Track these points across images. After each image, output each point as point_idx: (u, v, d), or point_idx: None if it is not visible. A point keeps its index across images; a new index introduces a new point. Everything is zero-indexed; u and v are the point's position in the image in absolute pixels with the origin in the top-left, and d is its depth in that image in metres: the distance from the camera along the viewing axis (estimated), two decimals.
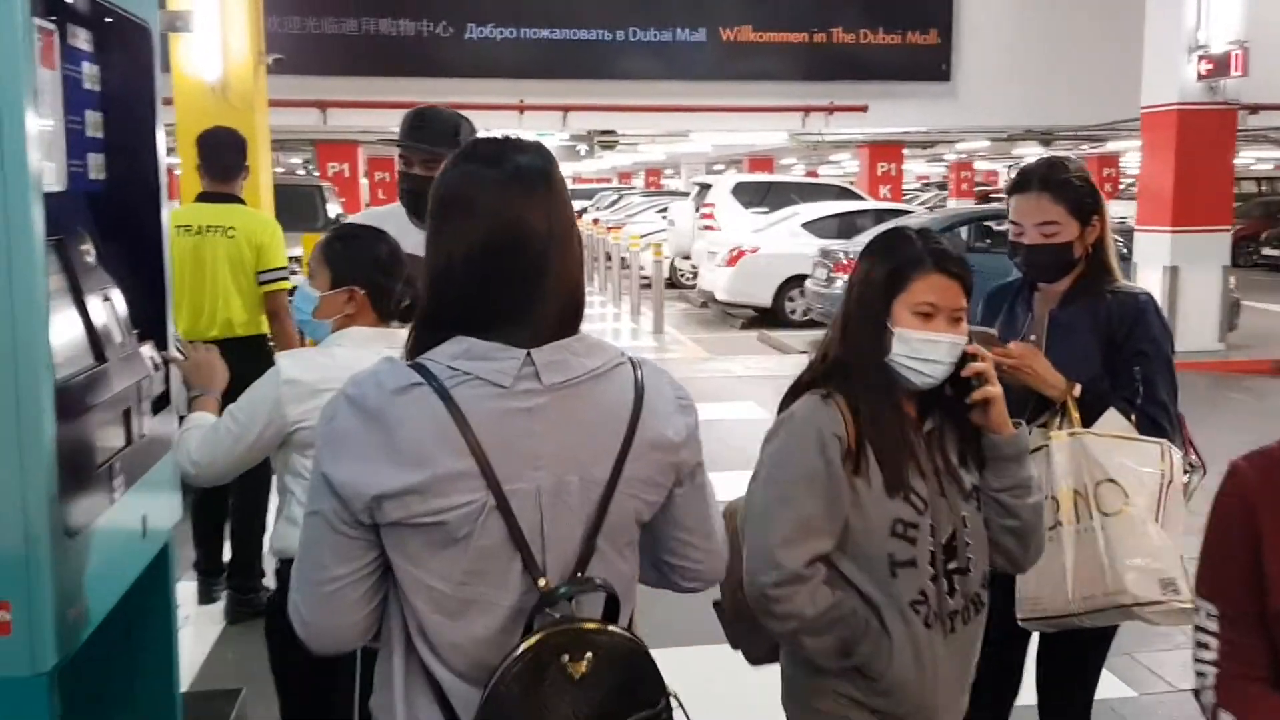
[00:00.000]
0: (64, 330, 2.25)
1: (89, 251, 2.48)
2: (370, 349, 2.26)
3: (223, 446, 2.22)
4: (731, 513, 1.95)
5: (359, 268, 2.29)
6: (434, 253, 1.40)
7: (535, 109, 14.85)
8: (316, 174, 18.86)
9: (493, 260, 1.36)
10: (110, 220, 2.65)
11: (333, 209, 14.52)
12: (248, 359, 4.12)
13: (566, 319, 1.40)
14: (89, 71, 2.57)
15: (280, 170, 27.01)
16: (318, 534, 1.37)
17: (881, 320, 1.84)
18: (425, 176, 2.82)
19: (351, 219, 2.99)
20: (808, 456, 1.80)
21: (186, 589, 4.48)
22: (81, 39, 2.53)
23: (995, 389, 1.86)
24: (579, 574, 1.39)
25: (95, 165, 2.62)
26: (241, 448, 2.22)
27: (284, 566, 2.30)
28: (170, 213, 3.36)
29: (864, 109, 15.18)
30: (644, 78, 14.58)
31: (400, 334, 2.32)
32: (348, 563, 1.36)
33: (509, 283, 1.37)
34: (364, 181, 20.02)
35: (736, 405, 8.48)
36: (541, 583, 1.36)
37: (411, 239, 2.45)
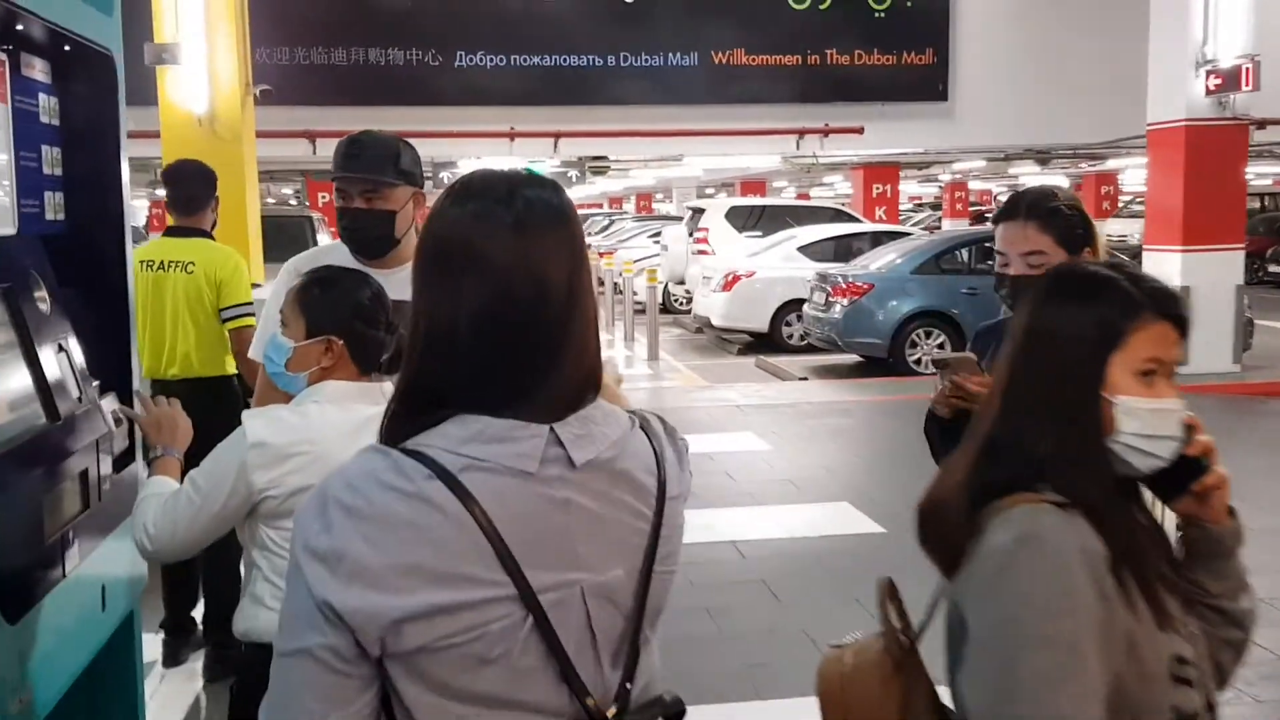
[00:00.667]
0: (9, 388, 2.05)
1: (43, 298, 2.28)
2: (348, 407, 2.05)
3: (183, 520, 1.99)
4: (838, 682, 1.48)
5: (337, 316, 2.07)
6: (429, 316, 1.15)
7: (526, 136, 14.71)
8: (307, 204, 18.69)
9: (507, 324, 1.13)
10: (70, 263, 2.45)
11: (323, 239, 14.37)
12: (210, 401, 4.01)
13: (587, 384, 1.19)
14: (46, 104, 2.38)
15: (272, 201, 26.88)
16: (305, 676, 1.09)
17: (1098, 389, 1.37)
18: (366, 210, 2.54)
19: (294, 260, 2.67)
20: (1082, 594, 1.27)
21: (153, 644, 4.25)
22: (37, 69, 2.34)
23: (1223, 470, 1.45)
24: (626, 683, 1.19)
25: (53, 205, 2.42)
26: (203, 520, 1.99)
27: (250, 651, 2.06)
28: (135, 249, 3.19)
29: (860, 131, 15.06)
30: (636, 103, 14.44)
31: (384, 389, 2.12)
32: (342, 706, 1.09)
33: (528, 349, 1.14)
34: None
35: (736, 436, 8.28)
36: (590, 702, 1.16)
37: None
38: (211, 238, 4.28)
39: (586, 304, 1.18)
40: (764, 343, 13.45)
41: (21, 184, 2.26)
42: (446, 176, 18.34)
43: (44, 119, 2.37)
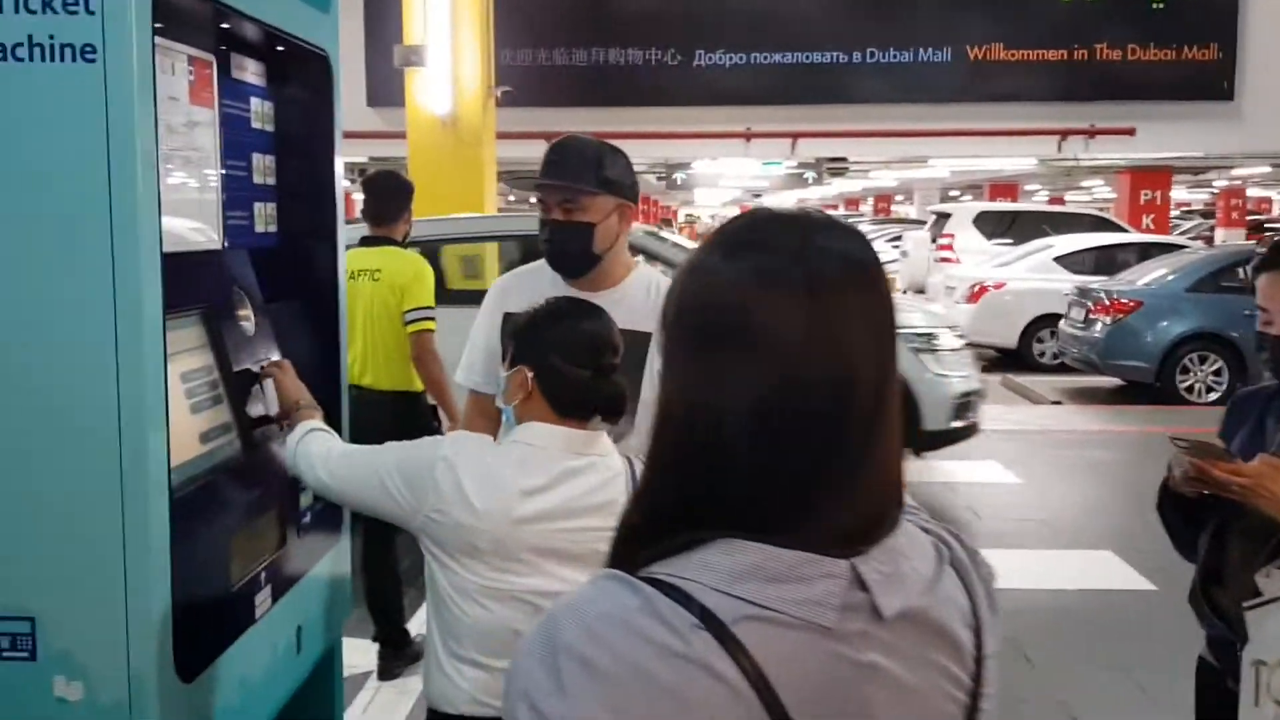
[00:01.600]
0: (202, 417, 1.89)
1: (246, 318, 2.13)
2: (546, 457, 1.79)
3: (368, 486, 1.86)
4: None
5: (535, 347, 1.84)
6: (686, 407, 0.89)
7: (763, 136, 14.35)
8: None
9: (797, 421, 0.86)
10: (280, 279, 2.31)
11: None
12: (395, 417, 3.97)
13: (891, 502, 0.91)
14: (258, 109, 2.23)
15: (513, 199, 27.74)
16: None
17: None
18: (564, 222, 2.25)
19: (500, 278, 2.46)
20: None
21: (360, 649, 4.18)
22: (249, 72, 2.19)
23: None
24: None
25: (264, 216, 2.28)
26: (380, 498, 1.85)
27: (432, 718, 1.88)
28: None
29: (1131, 132, 13.83)
30: (881, 101, 13.80)
31: (596, 441, 1.84)
32: None
33: (823, 454, 0.86)
34: None
35: (979, 465, 7.62)
36: None
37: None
38: (402, 247, 4.30)
39: (894, 393, 0.90)
40: (1012, 360, 12.54)
41: (230, 195, 2.12)
42: (680, 178, 18.24)
43: (255, 125, 2.22)
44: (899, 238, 18.00)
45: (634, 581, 0.85)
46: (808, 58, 13.77)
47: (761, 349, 0.85)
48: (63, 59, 1.47)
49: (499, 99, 9.72)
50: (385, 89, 11.15)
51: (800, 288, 0.85)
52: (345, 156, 2.46)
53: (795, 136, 14.50)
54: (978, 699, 0.93)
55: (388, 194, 4.36)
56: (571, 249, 2.27)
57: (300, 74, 2.29)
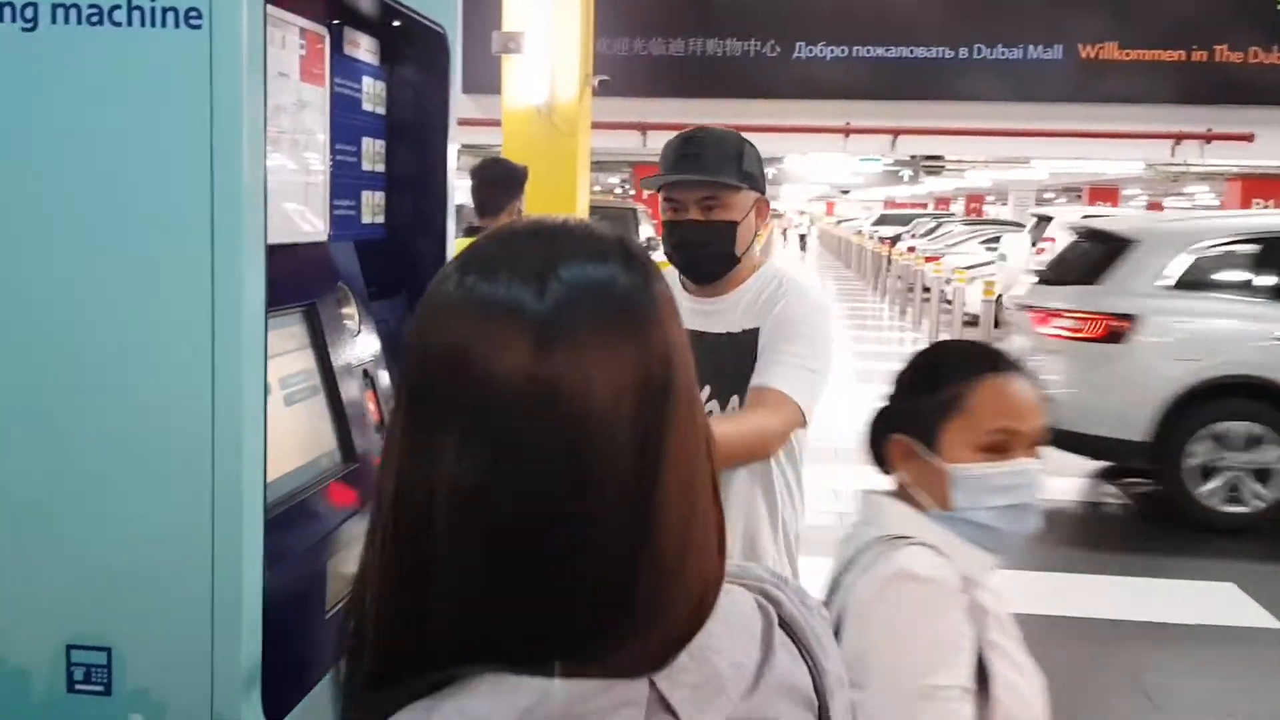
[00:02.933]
0: (300, 426, 1.72)
1: (350, 315, 1.96)
2: None
3: None
4: None
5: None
6: (395, 492, 0.69)
7: (861, 132, 13.97)
8: (631, 196, 18.94)
9: (535, 510, 0.66)
10: (385, 273, 2.13)
11: (645, 230, 14.41)
12: None
13: (706, 599, 0.71)
14: (370, 89, 2.06)
15: (598, 189, 27.64)
16: None
17: None
18: (703, 223, 2.05)
19: None
20: None
21: None
22: (363, 48, 2.02)
23: None
24: None
25: (371, 206, 2.11)
26: None
27: None
28: None
29: (1249, 138, 13.16)
30: (985, 98, 13.33)
31: None
32: None
33: (579, 556, 0.66)
34: None
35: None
36: None
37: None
38: None
39: (685, 456, 0.68)
40: None
41: (337, 182, 1.94)
42: (771, 173, 17.93)
43: (367, 106, 2.04)
44: (996, 240, 17.44)
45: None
46: (911, 52, 13.35)
47: (472, 406, 0.65)
48: (164, 23, 1.30)
49: (596, 88, 9.54)
50: (482, 75, 11.04)
51: (524, 329, 0.65)
52: None
53: (895, 133, 14.09)
54: None
55: (491, 184, 4.27)
56: (715, 250, 2.09)
57: (416, 52, 2.11)
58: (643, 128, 13.70)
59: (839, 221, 41.92)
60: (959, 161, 19.22)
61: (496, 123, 9.37)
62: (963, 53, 13.33)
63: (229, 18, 1.30)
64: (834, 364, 2.18)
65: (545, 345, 0.65)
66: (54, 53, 1.32)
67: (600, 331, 0.66)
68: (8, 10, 1.32)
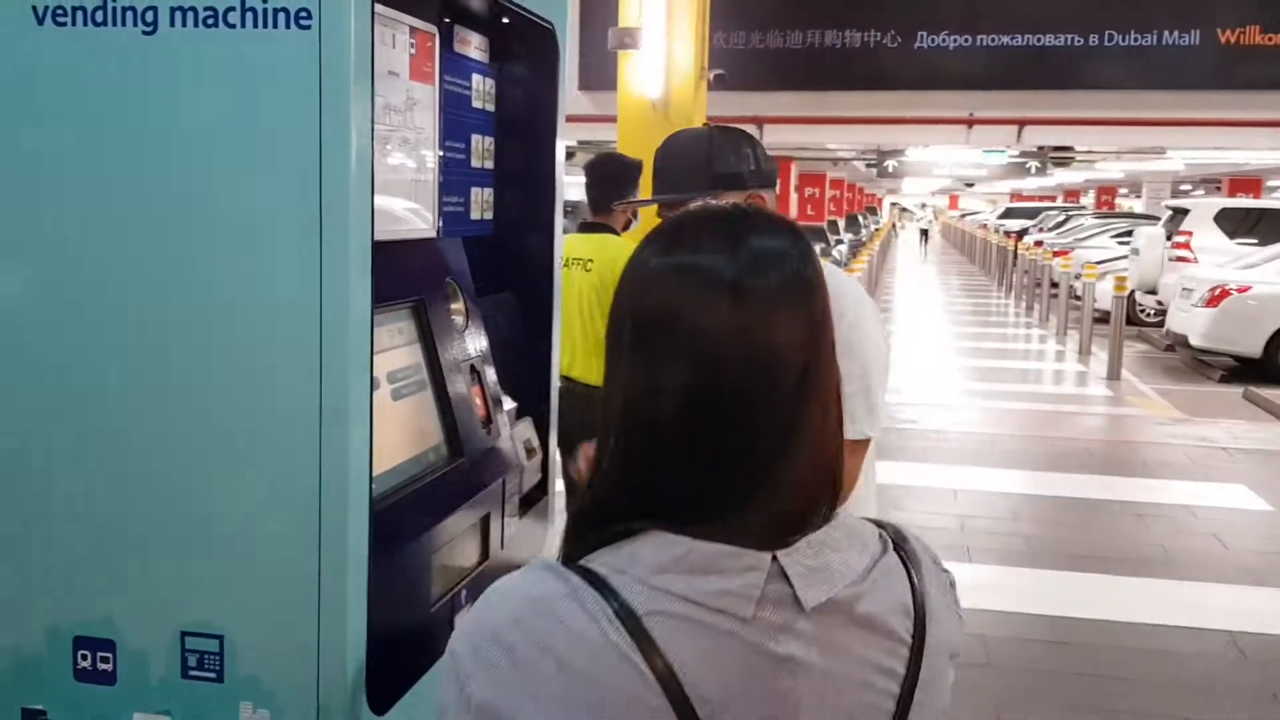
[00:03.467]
0: (407, 420, 1.74)
1: (458, 311, 1.97)
2: None
3: None
4: None
5: None
6: (623, 398, 0.93)
7: (985, 123, 13.60)
8: None
9: (717, 409, 0.90)
10: (492, 270, 2.15)
11: None
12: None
13: (822, 495, 0.94)
14: (480, 86, 2.07)
15: None
16: None
17: None
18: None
19: None
20: None
21: None
22: (473, 46, 2.03)
23: None
24: None
25: (480, 202, 2.12)
26: None
27: None
28: None
29: None
30: (1116, 87, 12.77)
31: None
32: None
33: (743, 444, 0.90)
34: (794, 197, 19.92)
35: (1224, 488, 6.90)
36: None
37: None
38: (615, 233, 4.12)
39: (826, 389, 0.93)
40: (1254, 371, 11.43)
41: (447, 179, 1.96)
42: (892, 166, 17.59)
43: (476, 104, 2.06)
44: (1128, 234, 16.76)
45: (563, 571, 0.89)
46: (1038, 40, 12.88)
47: (687, 345, 0.88)
48: (275, 24, 1.33)
49: (711, 83, 9.50)
50: (598, 72, 11.12)
51: (726, 288, 0.88)
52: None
53: (1021, 123, 13.68)
54: (912, 693, 0.93)
55: (606, 180, 4.20)
56: None
57: (525, 49, 2.11)
58: (759, 121, 13.58)
59: (963, 215, 40.87)
60: (1089, 153, 18.50)
61: (612, 119, 9.41)
62: (1093, 40, 12.80)
63: (338, 17, 1.32)
64: (880, 346, 2.03)
65: (740, 300, 0.88)
66: (172, 55, 1.36)
67: (780, 291, 0.89)
68: (130, 15, 1.36)
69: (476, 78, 2.05)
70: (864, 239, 26.33)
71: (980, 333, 15.34)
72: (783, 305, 0.89)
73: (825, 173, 24.07)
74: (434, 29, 1.86)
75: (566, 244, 4.09)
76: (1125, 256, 15.71)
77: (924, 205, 56.10)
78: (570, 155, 9.49)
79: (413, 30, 1.77)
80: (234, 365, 1.39)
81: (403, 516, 1.63)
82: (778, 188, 2.13)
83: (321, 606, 1.42)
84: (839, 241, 20.23)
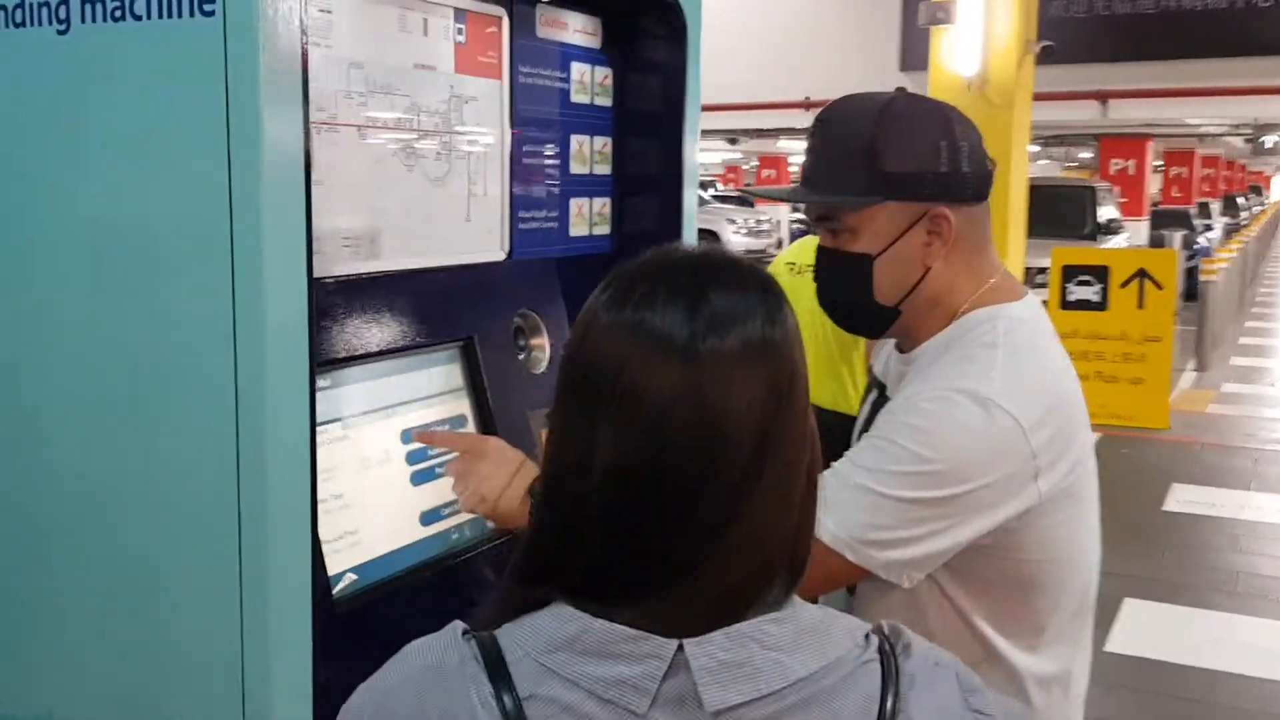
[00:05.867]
0: (430, 489, 1.45)
1: (539, 346, 1.66)
2: None
3: None
4: None
5: None
6: (556, 455, 0.83)
7: None
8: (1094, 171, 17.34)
9: (655, 485, 0.78)
10: None
11: (1105, 212, 12.87)
12: (827, 441, 3.11)
13: (760, 581, 0.80)
14: (583, 77, 1.73)
15: (1045, 164, 25.44)
16: None
17: None
18: (827, 253, 1.40)
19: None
20: None
21: None
22: (571, 28, 1.70)
23: None
24: None
25: (585, 214, 1.79)
26: None
27: None
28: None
29: None
30: None
31: None
32: None
33: (679, 525, 0.78)
34: (1155, 178, 18.12)
35: None
36: None
37: None
38: None
39: (786, 470, 0.81)
40: None
41: (528, 190, 1.64)
42: (1270, 141, 15.31)
43: (578, 98, 1.72)
44: None
45: (462, 641, 0.82)
46: None
47: (629, 407, 0.79)
48: (179, 13, 1.08)
49: (1037, 56, 8.58)
50: (919, 53, 10.39)
51: (677, 350, 0.78)
52: None
53: None
54: None
55: None
56: (841, 297, 1.40)
57: (642, 32, 1.75)
58: (1103, 96, 12.20)
59: None
60: None
61: None
62: None
63: (243, 1, 1.04)
64: (942, 482, 1.25)
65: (693, 363, 0.78)
66: (84, 53, 1.15)
67: (740, 354, 0.79)
68: (44, 12, 1.16)
69: (579, 67, 1.72)
70: (1242, 223, 23.38)
71: None
72: (739, 369, 0.79)
73: (1194, 149, 21.48)
74: (501, 11, 1.54)
75: (796, 248, 3.63)
76: None
77: None
78: None
79: (461, 13, 1.47)
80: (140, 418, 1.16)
81: (408, 605, 1.34)
82: (988, 198, 1.49)
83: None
84: (1207, 227, 18.08)
